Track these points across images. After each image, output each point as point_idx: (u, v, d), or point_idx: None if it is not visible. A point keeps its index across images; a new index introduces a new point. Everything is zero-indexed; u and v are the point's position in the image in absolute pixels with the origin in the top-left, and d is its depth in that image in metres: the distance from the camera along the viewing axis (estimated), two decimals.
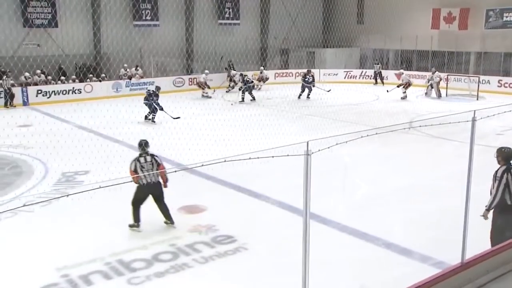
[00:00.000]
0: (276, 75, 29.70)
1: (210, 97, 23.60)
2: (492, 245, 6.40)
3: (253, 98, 22.48)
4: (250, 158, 3.32)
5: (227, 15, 29.62)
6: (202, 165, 3.36)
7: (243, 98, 22.10)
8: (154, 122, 17.41)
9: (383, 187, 10.09)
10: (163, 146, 12.94)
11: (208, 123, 16.41)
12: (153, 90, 17.83)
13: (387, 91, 23.05)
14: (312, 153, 3.38)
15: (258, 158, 3.41)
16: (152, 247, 7.44)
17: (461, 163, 5.89)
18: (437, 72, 24.03)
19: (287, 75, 30.10)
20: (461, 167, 5.80)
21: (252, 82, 23.26)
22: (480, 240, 6.45)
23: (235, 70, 26.12)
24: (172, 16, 27.11)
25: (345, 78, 29.62)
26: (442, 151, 13.04)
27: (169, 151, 12.55)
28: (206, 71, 24.59)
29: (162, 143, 13.35)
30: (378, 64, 29.49)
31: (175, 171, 3.46)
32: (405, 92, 22.70)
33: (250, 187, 10.04)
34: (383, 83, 28.32)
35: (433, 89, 23.45)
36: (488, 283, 5.40)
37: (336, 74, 29.59)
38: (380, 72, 28.91)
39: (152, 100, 17.44)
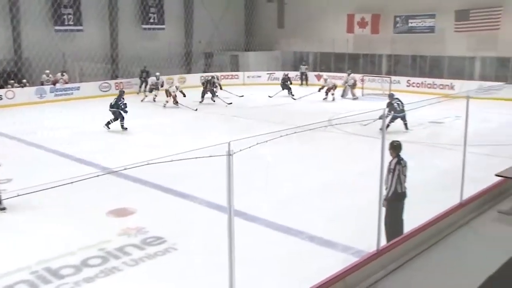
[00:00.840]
0: (202, 78, 29.59)
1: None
2: (386, 230, 6.69)
3: (201, 100, 22.17)
4: (172, 160, 3.29)
5: (151, 20, 29.09)
6: (125, 169, 3.29)
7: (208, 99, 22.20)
8: (126, 128, 16.05)
9: (306, 183, 10.33)
10: (89, 150, 12.57)
11: (136, 127, 16.09)
12: (121, 98, 16.32)
13: (269, 96, 23.79)
14: (234, 153, 3.40)
15: (180, 160, 3.39)
16: (81, 253, 7.17)
17: (376, 158, 6.15)
18: (352, 74, 24.91)
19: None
20: (376, 161, 6.06)
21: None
22: None
23: (147, 73, 25.69)
24: (95, 21, 26.22)
25: (268, 80, 30.00)
26: (358, 147, 13.52)
27: (95, 155, 12.20)
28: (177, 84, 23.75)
29: (88, 147, 12.97)
30: (304, 65, 30.08)
31: (98, 176, 3.35)
32: (333, 94, 23.04)
33: (178, 188, 9.95)
34: (307, 84, 28.94)
35: (348, 91, 24.25)
36: (398, 268, 5.71)
37: (260, 77, 29.96)
38: (306, 73, 29.51)
39: (120, 107, 16.04)
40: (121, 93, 16.79)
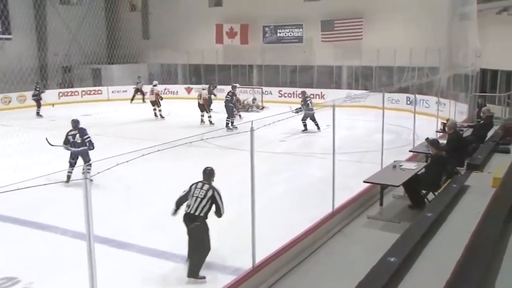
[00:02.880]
0: (60, 94, 28.24)
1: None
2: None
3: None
4: (18, 189, 3.07)
5: None
6: None
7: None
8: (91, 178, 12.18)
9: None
10: None
11: None
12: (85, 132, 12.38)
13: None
14: (92, 176, 3.26)
15: (27, 187, 3.17)
16: None
17: (249, 171, 6.33)
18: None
19: (72, 94, 28.85)
20: (249, 174, 6.24)
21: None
22: (270, 243, 6.97)
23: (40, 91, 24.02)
24: None
25: None
26: (232, 161, 13.71)
27: None
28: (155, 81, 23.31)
29: None
30: (140, 81, 28.75)
31: None
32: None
33: (35, 219, 9.27)
34: (143, 100, 27.36)
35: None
36: (278, 281, 5.91)
37: (126, 91, 29.24)
38: (141, 88, 28.20)
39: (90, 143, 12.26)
40: (76, 123, 12.47)
